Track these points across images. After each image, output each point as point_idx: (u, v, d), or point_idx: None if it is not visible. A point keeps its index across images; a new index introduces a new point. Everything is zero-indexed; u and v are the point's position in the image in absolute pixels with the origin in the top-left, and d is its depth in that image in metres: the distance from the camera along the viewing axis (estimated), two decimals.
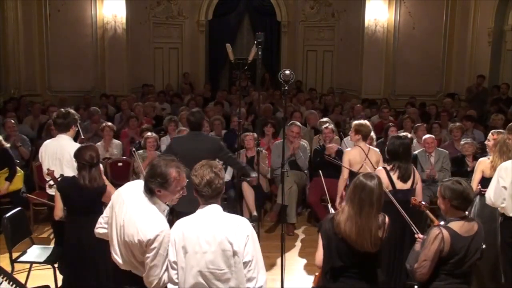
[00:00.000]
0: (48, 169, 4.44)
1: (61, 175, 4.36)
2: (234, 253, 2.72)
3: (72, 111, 4.95)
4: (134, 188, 3.08)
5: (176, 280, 2.82)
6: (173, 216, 6.62)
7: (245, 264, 2.75)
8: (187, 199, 4.22)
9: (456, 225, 3.07)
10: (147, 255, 2.83)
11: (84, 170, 3.94)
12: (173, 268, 2.82)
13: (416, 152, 6.57)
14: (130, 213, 2.93)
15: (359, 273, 3.10)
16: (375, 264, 3.14)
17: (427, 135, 6.75)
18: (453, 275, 3.08)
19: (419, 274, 3.08)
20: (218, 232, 2.74)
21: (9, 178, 6.09)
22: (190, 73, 13.04)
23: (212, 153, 4.72)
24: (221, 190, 2.85)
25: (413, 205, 3.83)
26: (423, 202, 3.79)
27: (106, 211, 3.22)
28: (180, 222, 2.85)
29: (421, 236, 3.49)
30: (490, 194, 4.37)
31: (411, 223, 3.57)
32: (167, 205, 3.13)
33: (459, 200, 3.07)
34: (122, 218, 2.95)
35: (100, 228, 3.25)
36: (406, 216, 3.66)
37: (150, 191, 2.93)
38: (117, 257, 3.03)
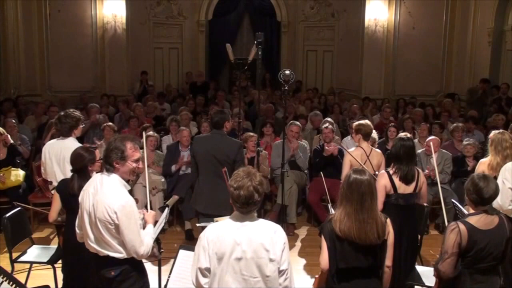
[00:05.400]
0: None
1: (50, 182, 4.57)
2: (270, 261, 2.64)
3: (72, 113, 4.80)
4: (94, 179, 3.26)
5: (206, 287, 2.72)
6: (173, 216, 6.72)
7: (282, 272, 2.68)
8: (209, 201, 4.33)
9: (473, 219, 3.13)
10: (121, 228, 3.02)
11: (73, 176, 3.93)
12: (204, 276, 2.71)
13: (419, 151, 6.60)
14: (96, 196, 3.11)
15: (366, 272, 3.09)
16: (381, 260, 3.13)
17: (431, 137, 6.67)
18: (477, 271, 3.10)
19: (443, 268, 3.09)
20: (254, 239, 2.65)
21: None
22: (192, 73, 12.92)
23: (229, 155, 4.74)
24: (259, 204, 2.73)
25: None
26: None
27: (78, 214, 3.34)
28: (214, 227, 2.76)
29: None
30: (497, 198, 4.31)
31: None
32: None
33: (475, 196, 3.14)
34: (91, 204, 3.12)
35: (78, 232, 3.39)
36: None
37: (110, 165, 3.16)
38: (93, 244, 3.18)
